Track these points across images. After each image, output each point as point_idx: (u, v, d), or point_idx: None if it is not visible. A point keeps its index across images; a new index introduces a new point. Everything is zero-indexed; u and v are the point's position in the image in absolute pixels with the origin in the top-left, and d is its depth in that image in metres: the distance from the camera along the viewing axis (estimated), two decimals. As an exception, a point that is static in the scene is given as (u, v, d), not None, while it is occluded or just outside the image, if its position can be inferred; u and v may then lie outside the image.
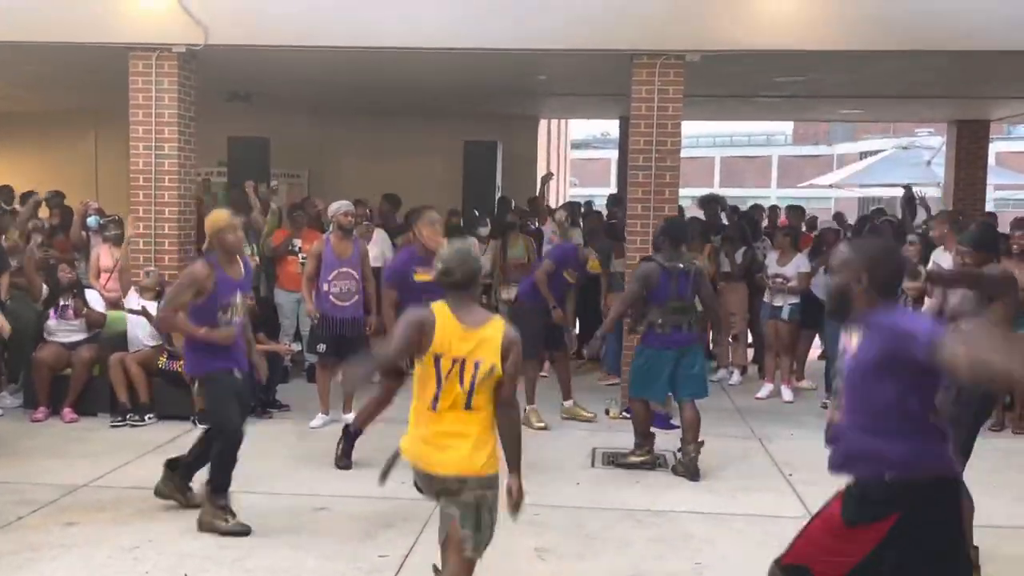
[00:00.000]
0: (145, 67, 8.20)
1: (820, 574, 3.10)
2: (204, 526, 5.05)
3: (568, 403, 7.89)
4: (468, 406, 3.54)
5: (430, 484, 3.63)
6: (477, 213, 10.99)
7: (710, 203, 10.54)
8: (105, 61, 8.54)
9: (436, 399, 3.54)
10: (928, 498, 2.95)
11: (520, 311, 7.68)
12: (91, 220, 8.77)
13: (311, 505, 5.60)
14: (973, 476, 5.04)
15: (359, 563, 4.71)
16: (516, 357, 3.58)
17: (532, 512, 5.43)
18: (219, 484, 5.09)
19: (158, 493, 5.42)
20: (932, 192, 16.04)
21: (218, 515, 5.04)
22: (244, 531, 5.01)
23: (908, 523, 2.94)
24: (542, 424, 7.58)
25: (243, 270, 5.32)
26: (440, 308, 3.57)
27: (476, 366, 3.50)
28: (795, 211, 11.20)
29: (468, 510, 3.51)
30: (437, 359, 3.51)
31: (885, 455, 2.96)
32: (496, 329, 3.58)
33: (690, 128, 34.59)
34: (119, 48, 8.17)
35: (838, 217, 12.97)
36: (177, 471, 5.43)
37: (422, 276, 6.10)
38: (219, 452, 5.12)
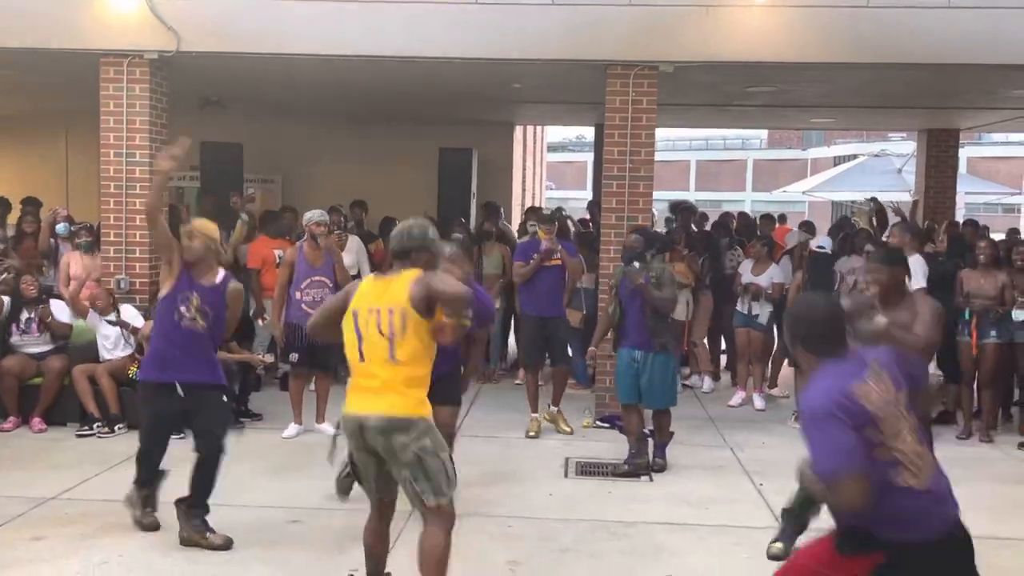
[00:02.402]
0: (116, 74, 8.14)
1: None
2: (186, 541, 5.06)
3: (554, 409, 7.82)
4: (392, 357, 3.83)
5: (360, 433, 3.90)
6: (462, 220, 10.86)
7: (682, 211, 10.61)
8: (76, 67, 8.47)
9: (360, 352, 3.89)
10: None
11: (522, 319, 7.82)
12: (60, 227, 8.68)
13: (284, 518, 5.57)
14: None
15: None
16: (433, 286, 3.82)
17: (505, 524, 5.46)
18: (139, 477, 5.22)
19: (184, 542, 5.06)
20: (903, 198, 16.24)
21: (138, 504, 5.21)
22: (149, 527, 5.16)
23: (898, 557, 2.93)
24: (569, 429, 7.65)
25: (217, 282, 5.19)
26: (368, 277, 4.11)
27: (390, 312, 3.82)
28: (768, 220, 11.27)
29: (413, 467, 3.80)
30: (354, 314, 3.91)
31: None
32: (406, 278, 3.88)
33: (666, 132, 34.89)
34: (90, 54, 8.10)
35: (806, 225, 13.05)
36: (191, 507, 5.13)
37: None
38: (137, 456, 5.26)
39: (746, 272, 8.91)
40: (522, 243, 8.60)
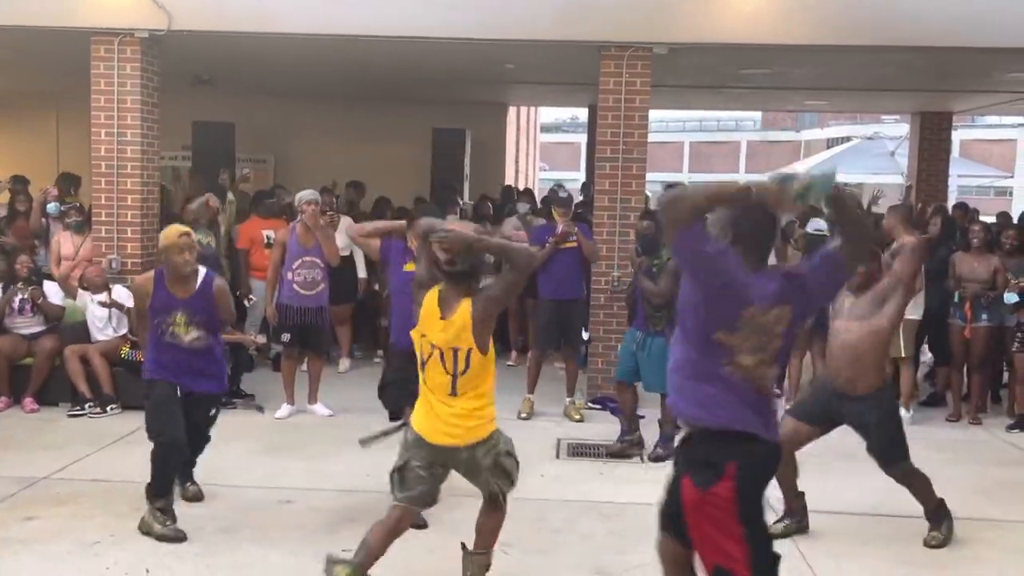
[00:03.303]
0: (107, 52, 8.08)
1: None
2: (143, 526, 4.93)
3: (569, 400, 7.79)
4: (453, 392, 3.96)
5: (439, 455, 4.05)
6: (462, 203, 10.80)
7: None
8: (67, 45, 8.41)
9: (424, 378, 4.06)
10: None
11: (539, 302, 7.82)
12: (51, 207, 8.64)
13: (276, 498, 5.59)
14: (930, 469, 5.17)
15: (324, 559, 4.71)
16: (485, 303, 3.94)
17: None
18: (157, 489, 4.96)
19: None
20: (896, 181, 16.26)
21: (156, 517, 4.91)
22: (177, 537, 4.84)
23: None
24: (579, 417, 7.62)
25: (196, 289, 5.09)
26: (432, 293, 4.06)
27: (455, 352, 3.94)
28: None
29: (493, 470, 4.06)
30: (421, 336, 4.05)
31: None
32: (464, 313, 3.93)
33: (660, 113, 34.81)
34: (81, 32, 8.04)
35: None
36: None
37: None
38: (155, 458, 5.00)
39: None
40: (537, 227, 8.57)
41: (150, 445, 5.07)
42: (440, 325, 3.95)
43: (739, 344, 3.03)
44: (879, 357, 4.97)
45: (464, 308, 3.92)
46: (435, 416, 4.00)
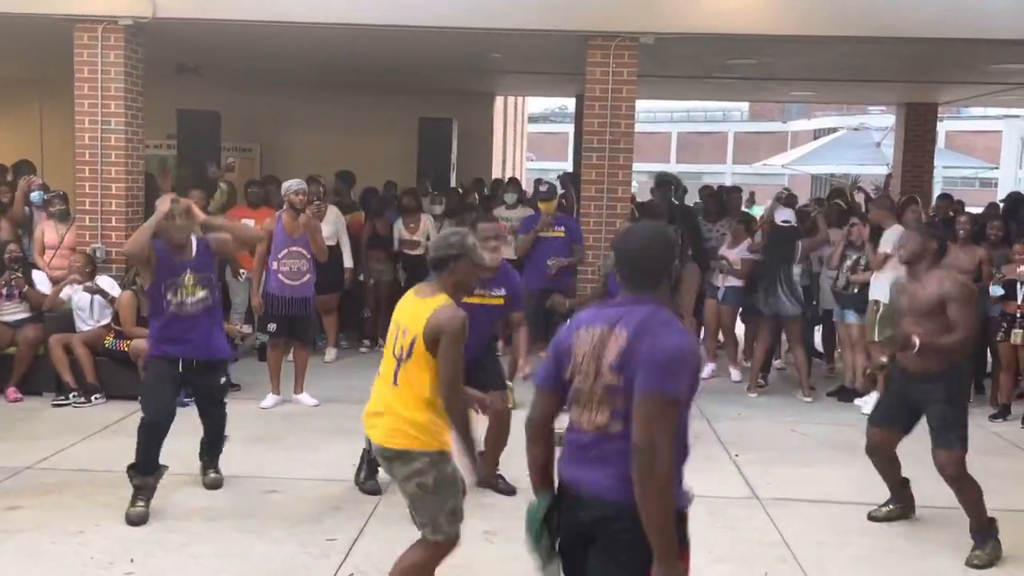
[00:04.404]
0: (91, 39, 8.02)
1: None
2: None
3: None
4: (395, 382, 3.68)
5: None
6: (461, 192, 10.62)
7: (663, 183, 10.59)
8: (50, 33, 8.34)
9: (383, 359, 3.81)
10: None
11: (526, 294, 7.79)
12: (35, 196, 8.58)
13: (261, 488, 5.58)
14: (914, 458, 5.20)
15: (309, 548, 4.72)
16: (446, 347, 3.55)
17: (482, 495, 5.49)
18: (136, 463, 5.05)
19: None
20: (881, 171, 16.32)
21: (133, 494, 5.02)
22: (136, 520, 4.91)
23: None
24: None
25: (194, 251, 5.21)
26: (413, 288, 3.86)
27: (404, 333, 3.67)
28: (735, 192, 11.13)
29: (412, 503, 3.70)
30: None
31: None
32: (430, 305, 3.65)
33: (647, 103, 34.77)
34: (64, 20, 7.98)
35: (788, 196, 13.08)
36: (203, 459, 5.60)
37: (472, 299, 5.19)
38: (138, 434, 5.09)
39: (723, 247, 8.92)
40: (526, 217, 8.58)
41: (135, 435, 5.09)
42: (414, 303, 3.73)
43: None
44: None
45: (436, 303, 3.64)
46: (373, 398, 3.82)
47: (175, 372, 5.17)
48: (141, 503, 4.98)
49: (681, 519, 2.77)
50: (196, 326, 5.18)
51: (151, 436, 5.04)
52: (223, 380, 5.49)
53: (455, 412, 3.63)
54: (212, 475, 5.57)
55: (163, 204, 5.14)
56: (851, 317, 8.05)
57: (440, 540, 3.69)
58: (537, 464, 2.99)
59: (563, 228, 7.65)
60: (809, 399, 8.17)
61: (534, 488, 2.99)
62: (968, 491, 4.81)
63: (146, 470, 5.04)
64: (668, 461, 2.62)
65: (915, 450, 5.26)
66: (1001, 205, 10.64)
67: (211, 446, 5.58)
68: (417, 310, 3.67)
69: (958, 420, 4.85)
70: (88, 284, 7.53)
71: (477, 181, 11.36)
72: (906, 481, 5.28)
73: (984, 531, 4.79)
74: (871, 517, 5.30)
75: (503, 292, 5.44)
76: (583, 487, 2.78)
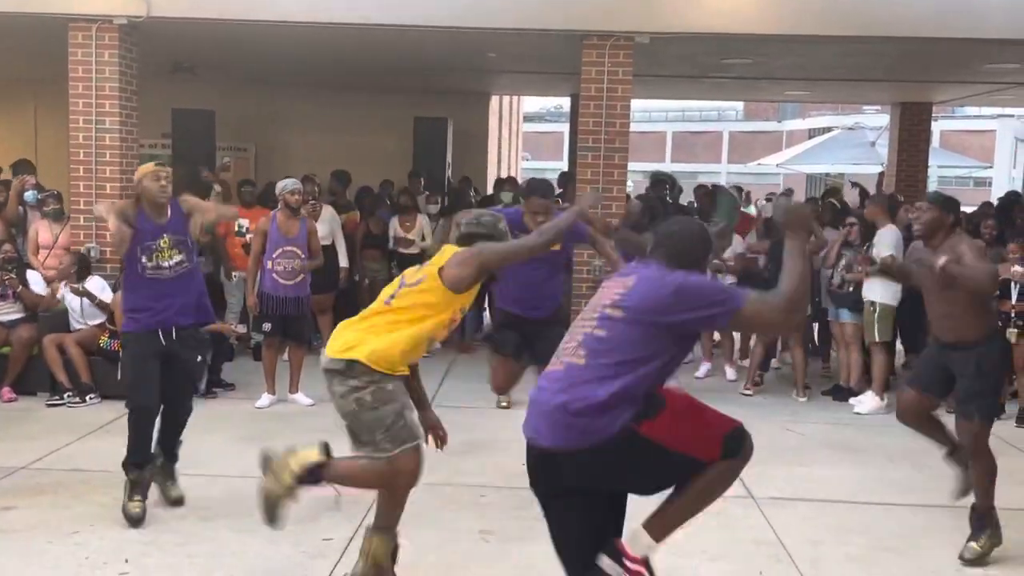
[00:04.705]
0: (85, 39, 8.01)
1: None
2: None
3: None
4: (387, 302, 3.84)
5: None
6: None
7: (658, 183, 10.61)
8: (44, 32, 8.32)
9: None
10: None
11: None
12: (28, 195, 8.56)
13: (256, 487, 5.56)
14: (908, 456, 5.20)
15: (304, 547, 4.71)
16: (484, 252, 3.76)
17: (478, 494, 5.50)
18: (130, 455, 4.93)
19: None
20: (875, 171, 16.35)
21: (126, 490, 4.89)
22: (135, 518, 4.82)
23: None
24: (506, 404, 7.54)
25: (170, 215, 5.05)
26: None
27: (411, 277, 3.86)
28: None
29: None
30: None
31: None
32: (444, 254, 3.85)
33: (643, 103, 34.83)
34: (58, 19, 7.96)
35: (787, 195, 13.15)
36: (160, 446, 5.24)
37: None
38: (128, 423, 4.97)
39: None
40: (503, 211, 8.55)
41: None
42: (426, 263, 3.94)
43: None
44: (978, 311, 4.70)
45: (450, 251, 3.86)
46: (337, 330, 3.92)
47: (157, 346, 4.96)
48: (138, 499, 4.88)
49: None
50: (175, 291, 5.01)
51: (140, 423, 4.93)
52: (200, 359, 5.33)
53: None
54: (177, 490, 5.24)
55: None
56: (846, 316, 8.06)
57: (382, 458, 3.74)
58: None
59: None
60: (804, 399, 8.18)
61: None
62: (981, 465, 4.67)
63: (140, 461, 4.93)
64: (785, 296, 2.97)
65: (913, 448, 5.27)
66: (996, 202, 10.68)
67: (172, 444, 5.21)
68: (431, 262, 3.85)
69: (983, 391, 4.66)
70: (74, 286, 7.50)
71: (464, 180, 11.33)
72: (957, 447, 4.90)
73: (983, 517, 4.69)
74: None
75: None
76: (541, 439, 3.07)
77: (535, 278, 5.59)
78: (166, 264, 5.00)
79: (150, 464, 5.04)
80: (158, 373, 4.98)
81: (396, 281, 3.96)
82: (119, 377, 5.03)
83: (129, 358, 5.04)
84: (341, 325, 3.98)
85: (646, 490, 3.17)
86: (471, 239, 3.88)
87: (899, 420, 5.06)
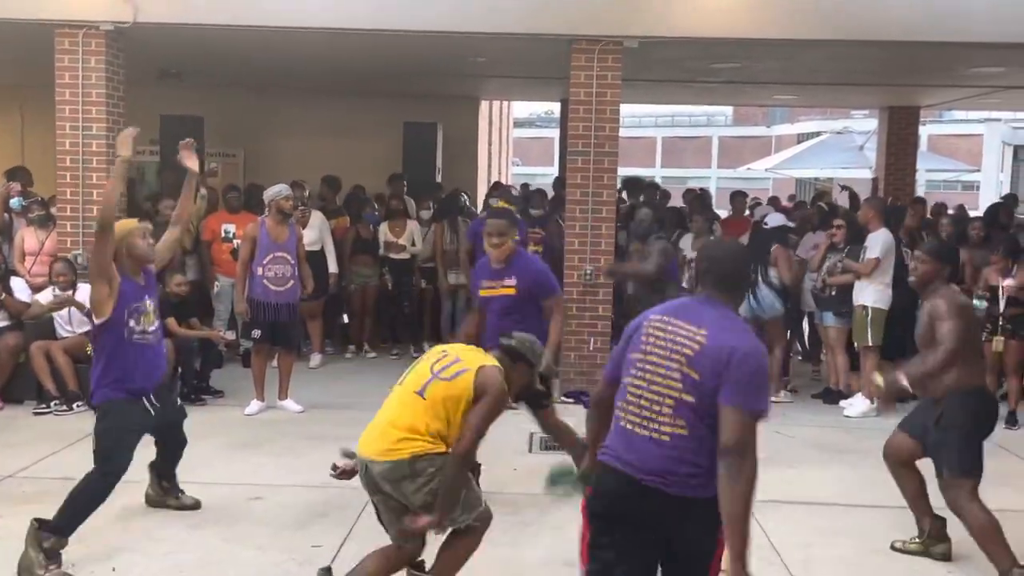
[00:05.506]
0: (71, 45, 7.96)
1: None
2: (21, 564, 4.35)
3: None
4: (422, 391, 3.84)
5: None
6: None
7: (646, 188, 10.61)
8: (30, 38, 8.28)
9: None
10: None
11: None
12: (14, 202, 8.50)
13: (245, 495, 5.54)
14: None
15: (293, 554, 4.69)
16: (483, 402, 3.79)
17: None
18: (62, 525, 4.41)
19: (148, 501, 5.26)
20: (864, 175, 16.40)
21: (39, 559, 4.30)
22: None
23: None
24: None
25: (144, 276, 4.77)
26: None
27: (455, 360, 3.89)
28: (740, 196, 11.19)
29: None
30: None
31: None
32: (490, 359, 3.97)
33: (632, 108, 34.89)
34: (45, 25, 7.91)
35: (773, 201, 13.17)
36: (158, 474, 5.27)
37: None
38: (92, 492, 4.50)
39: (687, 247, 8.77)
40: (475, 221, 8.54)
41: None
42: (474, 349, 4.09)
43: None
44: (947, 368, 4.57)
45: (495, 359, 3.99)
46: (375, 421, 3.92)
47: (146, 419, 4.70)
48: (54, 567, 4.32)
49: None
50: (158, 358, 4.80)
51: (108, 490, 4.51)
52: (180, 403, 5.40)
53: (464, 458, 3.82)
54: (189, 497, 5.28)
55: (123, 146, 4.63)
56: (829, 320, 8.07)
57: (465, 531, 3.89)
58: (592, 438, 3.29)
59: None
60: (788, 399, 8.17)
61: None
62: (968, 526, 4.56)
63: (71, 532, 4.43)
64: (755, 467, 2.86)
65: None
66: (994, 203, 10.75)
67: (171, 474, 5.23)
68: (477, 353, 3.97)
69: (946, 444, 4.56)
70: (59, 295, 7.39)
71: (455, 192, 11.14)
72: (927, 506, 4.91)
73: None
74: (893, 547, 4.92)
75: (513, 282, 5.35)
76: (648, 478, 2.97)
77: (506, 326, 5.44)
78: (151, 329, 4.71)
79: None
80: (138, 442, 4.73)
81: (435, 352, 4.03)
82: (99, 449, 4.57)
83: (114, 429, 4.56)
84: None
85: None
86: (515, 356, 4.09)
87: (884, 459, 5.03)
